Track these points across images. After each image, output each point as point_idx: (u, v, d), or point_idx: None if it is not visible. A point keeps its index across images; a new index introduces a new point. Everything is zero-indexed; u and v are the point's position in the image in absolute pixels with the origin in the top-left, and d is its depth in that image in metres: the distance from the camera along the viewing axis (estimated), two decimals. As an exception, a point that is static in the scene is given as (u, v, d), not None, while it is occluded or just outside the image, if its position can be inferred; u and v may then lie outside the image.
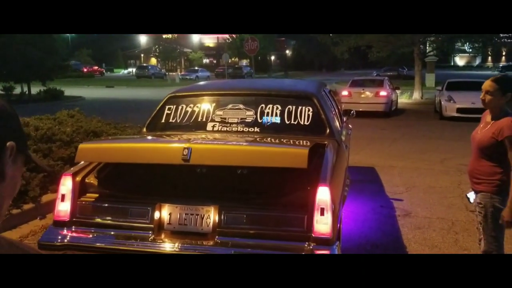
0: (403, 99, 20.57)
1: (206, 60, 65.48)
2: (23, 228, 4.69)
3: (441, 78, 19.88)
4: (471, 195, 3.22)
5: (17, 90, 22.31)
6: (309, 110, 3.81)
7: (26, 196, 5.04)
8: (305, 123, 3.76)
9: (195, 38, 67.45)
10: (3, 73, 20.80)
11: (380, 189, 6.27)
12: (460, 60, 73.92)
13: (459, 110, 13.29)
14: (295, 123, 3.77)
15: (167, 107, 4.05)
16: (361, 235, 4.53)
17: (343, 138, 4.39)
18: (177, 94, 4.20)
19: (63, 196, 2.96)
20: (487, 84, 2.97)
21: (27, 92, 22.35)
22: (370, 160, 8.09)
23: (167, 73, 49.18)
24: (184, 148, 2.66)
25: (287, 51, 67.69)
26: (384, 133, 11.57)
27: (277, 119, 3.81)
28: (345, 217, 4.82)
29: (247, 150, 2.93)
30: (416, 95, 21.55)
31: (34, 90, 22.52)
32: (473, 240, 4.12)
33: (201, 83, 5.03)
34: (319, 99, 3.91)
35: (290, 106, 3.86)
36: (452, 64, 69.38)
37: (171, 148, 2.95)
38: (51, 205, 4.31)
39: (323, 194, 2.63)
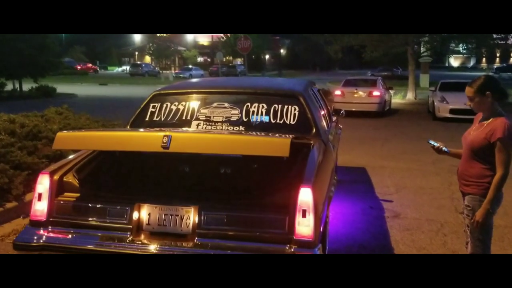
0: (397, 99, 20.58)
1: (200, 59, 65.29)
2: (5, 227, 4.59)
3: (436, 79, 19.89)
4: (433, 142, 3.24)
5: (9, 87, 22.11)
6: (295, 109, 3.75)
7: (9, 194, 4.95)
8: (291, 122, 3.69)
9: (189, 36, 67.18)
10: (-5, 69, 20.61)
11: (370, 190, 6.22)
12: (454, 61, 74.16)
13: (452, 111, 13.28)
14: (281, 122, 3.70)
15: (151, 105, 3.97)
16: (349, 237, 4.48)
17: (331, 137, 4.32)
18: (162, 92, 4.13)
19: (39, 195, 2.87)
20: (467, 90, 2.94)
21: (18, 89, 22.16)
22: (361, 160, 8.04)
23: (161, 71, 48.97)
24: (164, 136, 2.59)
25: (282, 50, 67.63)
26: (376, 133, 11.53)
27: (263, 118, 3.74)
28: (333, 218, 4.77)
29: (229, 138, 2.85)
30: (410, 96, 21.56)
31: (26, 87, 22.34)
32: (461, 243, 4.05)
33: (188, 81, 4.96)
34: (306, 98, 3.85)
35: (276, 105, 3.79)
36: (447, 65, 69.57)
37: (150, 135, 2.86)
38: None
39: (305, 195, 2.56)
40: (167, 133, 2.61)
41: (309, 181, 2.65)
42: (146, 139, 2.80)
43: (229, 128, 3.66)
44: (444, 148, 3.20)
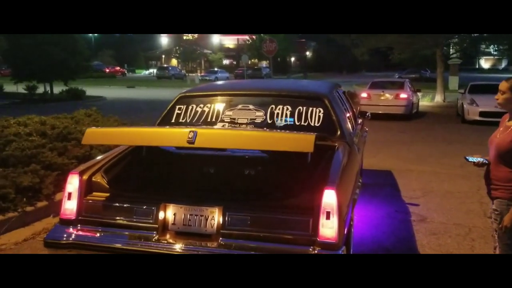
0: (425, 102, 20.23)
1: (226, 61, 65.67)
2: (36, 226, 4.73)
3: (465, 81, 19.45)
4: (472, 158, 3.04)
5: (40, 90, 22.73)
6: (320, 111, 3.75)
7: (40, 194, 5.09)
8: (316, 124, 3.69)
9: (215, 39, 67.73)
10: (27, 72, 21.21)
11: (396, 193, 6.14)
12: (485, 63, 72.33)
13: (482, 113, 12.98)
14: (306, 124, 3.70)
15: (177, 107, 4.04)
16: (374, 240, 4.43)
17: (356, 140, 4.30)
18: (187, 94, 4.19)
19: (69, 195, 2.95)
20: (501, 84, 2.87)
21: (49, 92, 22.75)
22: (387, 163, 7.95)
23: (187, 74, 49.50)
24: (190, 131, 2.63)
25: (307, 53, 67.38)
26: (403, 136, 11.38)
27: (287, 120, 3.75)
28: (358, 221, 4.74)
29: (254, 134, 2.88)
30: (438, 98, 21.17)
31: (57, 89, 22.91)
32: (489, 248, 3.97)
33: (213, 83, 5.02)
34: (331, 100, 3.84)
35: (300, 107, 3.80)
36: (477, 67, 67.96)
37: (176, 131, 2.92)
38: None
39: (329, 197, 2.56)
40: (193, 129, 2.66)
41: (333, 183, 2.65)
42: (172, 134, 2.85)
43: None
44: (485, 161, 3.05)
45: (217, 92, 4.18)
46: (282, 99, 3.91)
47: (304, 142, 2.56)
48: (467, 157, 3.06)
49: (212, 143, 2.77)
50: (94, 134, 2.97)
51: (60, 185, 5.33)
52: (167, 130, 3.15)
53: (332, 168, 2.88)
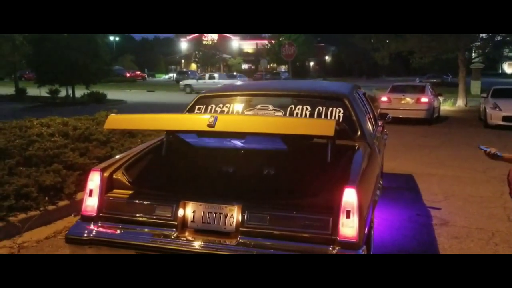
0: (446, 106, 19.94)
1: (244, 66, 65.93)
2: (57, 224, 4.80)
3: (488, 86, 19.13)
4: (484, 147, 3.12)
5: (62, 93, 23.16)
6: (340, 112, 3.72)
7: (61, 193, 5.16)
8: None
9: (234, 44, 68.09)
10: (50, 76, 21.64)
11: (417, 197, 6.05)
12: (508, 68, 71.00)
13: (505, 118, 12.76)
14: None
15: (197, 107, 4.06)
16: (395, 244, 4.37)
17: (376, 142, 4.25)
18: (207, 94, 4.21)
19: (91, 191, 2.99)
20: None
21: (71, 95, 23.16)
22: (408, 167, 7.84)
23: (206, 79, 49.77)
24: (211, 116, 2.66)
25: (326, 57, 67.19)
26: (424, 140, 11.22)
27: None
28: (379, 224, 4.68)
29: (274, 119, 2.87)
30: (460, 103, 20.86)
31: (78, 93, 23.31)
32: (514, 252, 3.89)
33: (232, 84, 5.05)
34: (351, 101, 3.81)
35: (320, 107, 3.77)
36: (500, 71, 66.75)
37: (197, 116, 2.96)
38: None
39: (349, 196, 2.53)
40: (214, 115, 2.69)
41: (353, 182, 2.62)
42: (193, 119, 2.88)
43: None
44: (497, 153, 3.06)
45: (236, 93, 4.19)
46: (301, 99, 3.89)
47: (325, 126, 2.56)
48: (480, 146, 3.12)
49: (232, 127, 2.77)
50: (117, 120, 3.01)
51: (81, 184, 5.40)
52: (188, 115, 3.19)
53: (353, 167, 2.86)
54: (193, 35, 62.99)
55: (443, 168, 7.85)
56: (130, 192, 2.99)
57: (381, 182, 4.12)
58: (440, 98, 16.79)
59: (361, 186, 2.70)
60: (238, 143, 3.20)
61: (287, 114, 3.77)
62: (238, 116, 3.07)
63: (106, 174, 3.03)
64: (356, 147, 3.28)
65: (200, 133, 2.96)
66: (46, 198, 4.97)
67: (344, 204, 2.54)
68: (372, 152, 3.55)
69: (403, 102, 14.47)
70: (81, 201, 5.07)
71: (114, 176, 3.06)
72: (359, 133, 3.61)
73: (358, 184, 2.63)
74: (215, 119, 2.62)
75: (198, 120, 2.77)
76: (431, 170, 7.66)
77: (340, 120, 3.67)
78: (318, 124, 2.68)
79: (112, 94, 25.50)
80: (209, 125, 2.62)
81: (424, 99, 14.37)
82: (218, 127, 2.62)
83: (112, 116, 2.96)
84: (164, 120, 3.01)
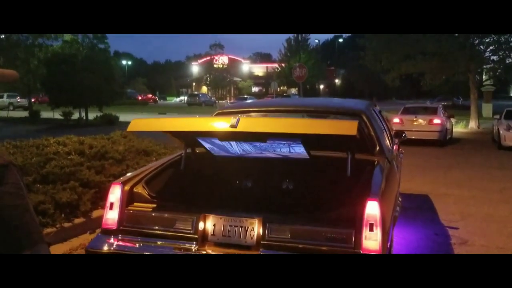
0: (459, 128, 19.83)
1: (255, 89, 66.43)
2: (73, 241, 4.79)
3: (499, 109, 18.99)
4: None
5: (75, 116, 23.44)
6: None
7: (77, 211, 5.18)
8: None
9: (245, 67, 68.79)
10: (64, 98, 21.96)
11: (434, 217, 5.97)
12: (520, 91, 70.68)
13: (519, 139, 12.64)
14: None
15: None
16: (413, 262, 4.29)
17: (394, 159, 4.23)
18: (224, 110, 4.24)
19: (111, 205, 2.99)
20: None
21: (84, 117, 23.43)
22: (424, 187, 7.76)
23: (217, 101, 50.21)
24: (233, 118, 2.66)
25: (336, 80, 67.50)
26: (438, 161, 11.13)
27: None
28: (397, 243, 4.61)
29: (296, 120, 2.86)
30: (473, 124, 20.74)
31: (91, 115, 23.57)
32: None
33: (249, 101, 5.09)
34: (369, 116, 3.81)
35: None
36: (511, 94, 66.44)
37: (219, 118, 2.97)
38: (101, 220, 4.42)
39: (372, 209, 2.51)
40: (237, 116, 2.69)
41: (376, 195, 2.60)
42: (216, 121, 2.88)
43: None
44: None
45: (253, 109, 4.20)
46: (319, 115, 3.90)
47: (348, 126, 2.56)
48: None
49: (255, 127, 2.76)
50: (139, 123, 3.03)
51: (97, 202, 5.42)
52: (210, 117, 3.22)
53: (374, 180, 2.84)
54: (204, 59, 63.77)
55: (459, 189, 7.76)
56: (150, 205, 3.00)
57: (400, 199, 4.08)
58: (452, 120, 16.70)
59: (383, 198, 2.67)
60: (257, 154, 3.20)
61: None
62: (260, 118, 3.08)
63: (126, 187, 3.04)
64: (376, 162, 3.26)
65: (222, 137, 2.96)
66: (62, 215, 4.98)
67: (367, 217, 2.51)
68: (391, 167, 3.53)
69: (415, 123, 14.40)
70: (96, 219, 5.10)
71: (134, 190, 3.07)
72: (378, 148, 3.59)
73: (381, 197, 2.61)
74: (238, 120, 2.62)
75: (221, 121, 2.78)
76: (447, 191, 7.58)
77: (359, 135, 3.66)
78: (341, 124, 2.68)
79: (124, 116, 25.71)
80: (231, 126, 2.62)
81: (437, 121, 14.30)
82: (241, 127, 2.61)
83: (135, 119, 2.99)
84: (187, 122, 3.03)
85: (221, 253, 2.72)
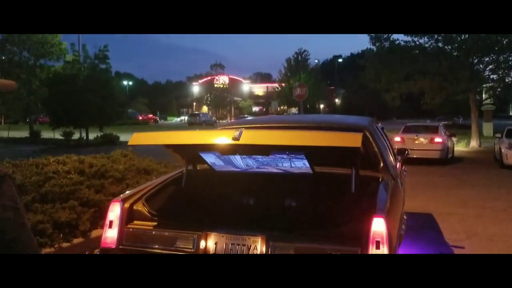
0: (460, 147, 19.78)
1: (255, 108, 66.64)
2: (71, 262, 4.69)
3: (499, 128, 18.99)
4: None
5: (76, 136, 23.42)
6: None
7: (76, 230, 5.09)
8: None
9: (245, 87, 69.19)
10: (65, 118, 21.98)
11: (439, 236, 5.87)
12: (520, 110, 70.91)
13: (521, 158, 12.57)
14: None
15: None
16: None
17: (398, 176, 4.16)
18: (226, 127, 4.19)
19: (111, 223, 2.92)
20: None
21: (85, 137, 23.41)
22: (427, 206, 7.67)
23: (217, 121, 50.34)
24: (235, 131, 2.61)
25: (336, 100, 67.79)
26: (441, 180, 11.04)
27: None
28: (401, 262, 4.51)
29: (299, 132, 2.81)
30: (474, 143, 20.69)
31: (92, 135, 23.55)
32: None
33: (251, 117, 5.06)
34: (372, 132, 3.75)
35: None
36: (511, 113, 66.63)
37: (222, 131, 2.94)
38: (100, 240, 4.33)
39: (378, 226, 2.44)
40: (239, 129, 2.65)
41: (382, 211, 2.53)
42: (218, 134, 2.83)
43: None
44: None
45: (255, 125, 4.16)
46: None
47: (352, 138, 2.50)
48: None
49: (258, 139, 2.71)
50: (140, 136, 2.98)
51: (96, 222, 5.33)
52: (212, 130, 3.18)
53: (379, 197, 2.77)
54: (205, 79, 64.16)
55: (463, 207, 7.68)
56: (150, 223, 2.93)
57: (405, 217, 4.00)
58: (454, 139, 16.66)
59: (389, 216, 2.61)
60: (260, 170, 3.14)
61: None
62: (263, 130, 3.05)
63: (126, 205, 2.98)
64: (380, 178, 3.21)
65: (224, 150, 2.91)
66: (61, 235, 4.89)
67: (373, 234, 2.44)
68: (396, 184, 3.46)
69: (416, 142, 14.35)
70: (96, 239, 5.00)
71: (134, 207, 3.00)
72: (381, 164, 3.53)
73: (387, 214, 2.55)
74: (240, 132, 2.58)
75: (223, 134, 2.73)
76: (451, 209, 7.49)
77: (362, 151, 3.61)
78: (345, 137, 2.62)
79: (125, 136, 25.65)
80: (234, 138, 2.57)
81: (438, 139, 14.26)
82: (243, 140, 2.57)
83: (136, 133, 2.95)
84: (189, 135, 2.99)
85: None
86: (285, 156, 2.87)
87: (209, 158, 3.20)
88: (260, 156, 2.94)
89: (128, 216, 2.95)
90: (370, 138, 3.69)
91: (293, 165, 2.98)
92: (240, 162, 3.11)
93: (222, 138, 2.70)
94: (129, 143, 2.91)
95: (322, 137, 2.66)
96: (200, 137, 2.94)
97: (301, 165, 2.94)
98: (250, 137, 2.63)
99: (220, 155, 3.05)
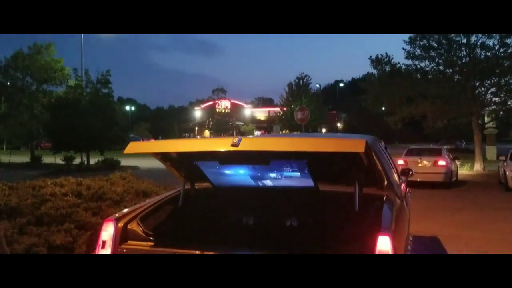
0: (464, 171, 19.60)
1: (257, 132, 66.68)
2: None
3: (502, 152, 18.82)
4: None
5: (77, 161, 23.33)
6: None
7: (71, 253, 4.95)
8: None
9: (247, 112, 69.48)
10: (67, 143, 21.95)
11: (445, 259, 5.69)
12: (523, 134, 70.67)
13: (526, 180, 12.40)
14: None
15: None
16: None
17: (403, 195, 4.03)
18: None
19: (103, 243, 2.79)
20: None
21: (85, 162, 23.31)
22: (433, 229, 7.49)
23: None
24: (235, 138, 2.56)
25: (338, 124, 67.89)
26: (445, 203, 10.87)
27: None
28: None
29: (300, 138, 2.71)
30: (478, 167, 20.51)
31: (92, 160, 23.46)
32: None
33: (253, 137, 4.97)
34: (375, 151, 3.64)
35: None
36: (514, 137, 66.40)
37: (221, 139, 2.88)
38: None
39: (384, 244, 2.31)
40: (238, 137, 2.59)
41: (387, 229, 2.41)
42: (217, 141, 2.75)
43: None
44: None
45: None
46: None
47: (356, 144, 2.44)
48: None
49: (258, 146, 2.63)
50: (137, 145, 2.90)
51: (92, 245, 5.18)
52: (211, 139, 3.08)
53: (384, 215, 2.65)
54: (207, 104, 64.57)
55: (469, 230, 7.50)
56: (145, 243, 2.80)
57: (411, 238, 3.86)
58: (457, 162, 16.51)
59: (395, 233, 2.48)
60: (259, 185, 3.02)
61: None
62: (262, 137, 2.96)
63: (120, 224, 2.85)
64: (385, 197, 3.08)
65: (223, 158, 2.81)
66: (56, 258, 4.75)
67: (378, 253, 2.31)
68: (401, 203, 3.34)
69: (420, 165, 14.16)
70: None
71: (129, 227, 2.88)
72: (386, 182, 3.41)
73: (393, 231, 2.42)
74: (240, 139, 2.52)
75: (222, 142, 2.66)
76: (457, 232, 7.31)
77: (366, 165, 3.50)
78: (348, 142, 2.52)
79: (126, 161, 25.59)
80: (233, 145, 2.50)
81: (442, 162, 14.11)
82: (243, 146, 2.50)
83: (133, 142, 2.86)
84: (187, 143, 2.90)
85: None
86: (286, 166, 2.77)
87: (207, 169, 3.10)
88: (259, 166, 2.84)
89: (122, 236, 2.83)
90: (374, 156, 3.58)
91: (294, 175, 2.88)
92: (239, 174, 3.01)
93: (220, 144, 2.61)
94: (124, 152, 2.83)
95: (325, 143, 2.57)
96: (198, 144, 2.84)
97: (302, 175, 2.84)
98: (250, 143, 2.55)
99: (219, 165, 2.95)
